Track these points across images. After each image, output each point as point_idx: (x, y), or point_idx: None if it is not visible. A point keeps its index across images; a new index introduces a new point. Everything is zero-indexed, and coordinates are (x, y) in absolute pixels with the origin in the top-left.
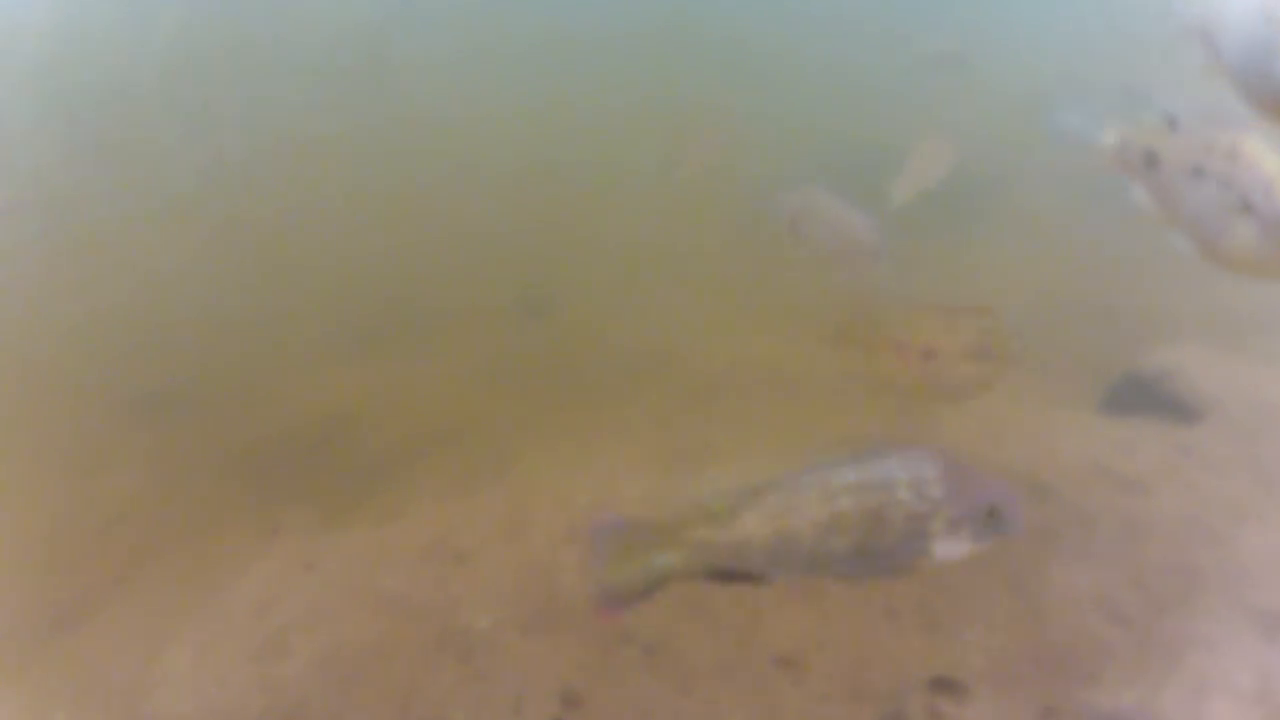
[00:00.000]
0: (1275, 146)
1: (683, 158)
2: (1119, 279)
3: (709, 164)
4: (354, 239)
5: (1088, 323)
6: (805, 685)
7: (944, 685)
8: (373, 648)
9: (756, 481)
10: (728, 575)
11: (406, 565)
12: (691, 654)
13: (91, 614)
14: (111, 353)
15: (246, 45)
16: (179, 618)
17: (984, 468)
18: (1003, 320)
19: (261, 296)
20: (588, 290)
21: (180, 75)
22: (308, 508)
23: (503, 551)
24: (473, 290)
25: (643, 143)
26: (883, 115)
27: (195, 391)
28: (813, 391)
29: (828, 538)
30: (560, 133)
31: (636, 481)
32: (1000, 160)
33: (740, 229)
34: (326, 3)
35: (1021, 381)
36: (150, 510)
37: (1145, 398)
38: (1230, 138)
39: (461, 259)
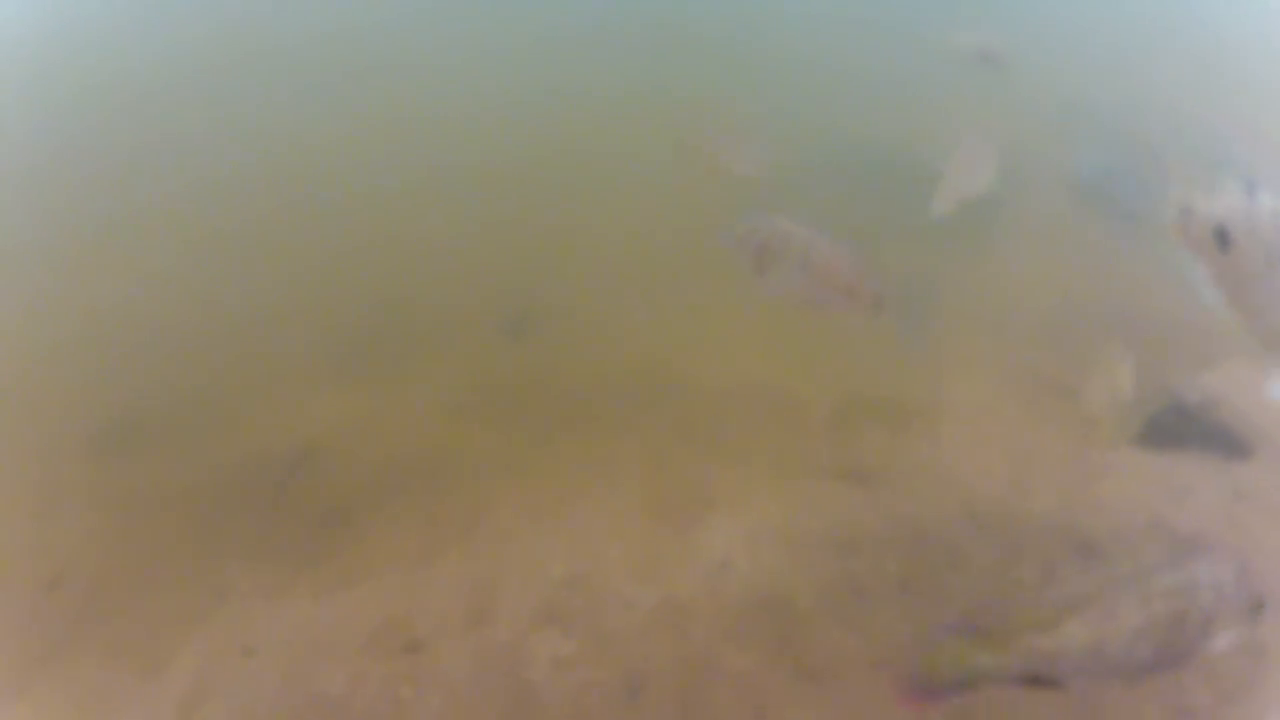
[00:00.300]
0: None
1: (699, 160)
2: (1144, 286)
3: (729, 167)
4: (329, 249)
5: (1114, 335)
6: None
7: None
8: None
9: (1077, 587)
10: (1033, 681)
11: (352, 655)
12: None
13: (12, 700)
14: (75, 378)
15: (227, 55)
16: (104, 709)
17: (1020, 523)
18: None
19: (231, 315)
20: (575, 306)
21: (151, 86)
22: (259, 566)
23: (462, 640)
24: (453, 306)
25: (641, 147)
26: (907, 116)
27: (158, 422)
28: (816, 418)
29: (1137, 643)
30: (550, 136)
31: (622, 542)
32: (1015, 160)
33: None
34: (320, 7)
35: (1049, 405)
36: (97, 564)
37: (1190, 429)
38: None
39: (443, 271)
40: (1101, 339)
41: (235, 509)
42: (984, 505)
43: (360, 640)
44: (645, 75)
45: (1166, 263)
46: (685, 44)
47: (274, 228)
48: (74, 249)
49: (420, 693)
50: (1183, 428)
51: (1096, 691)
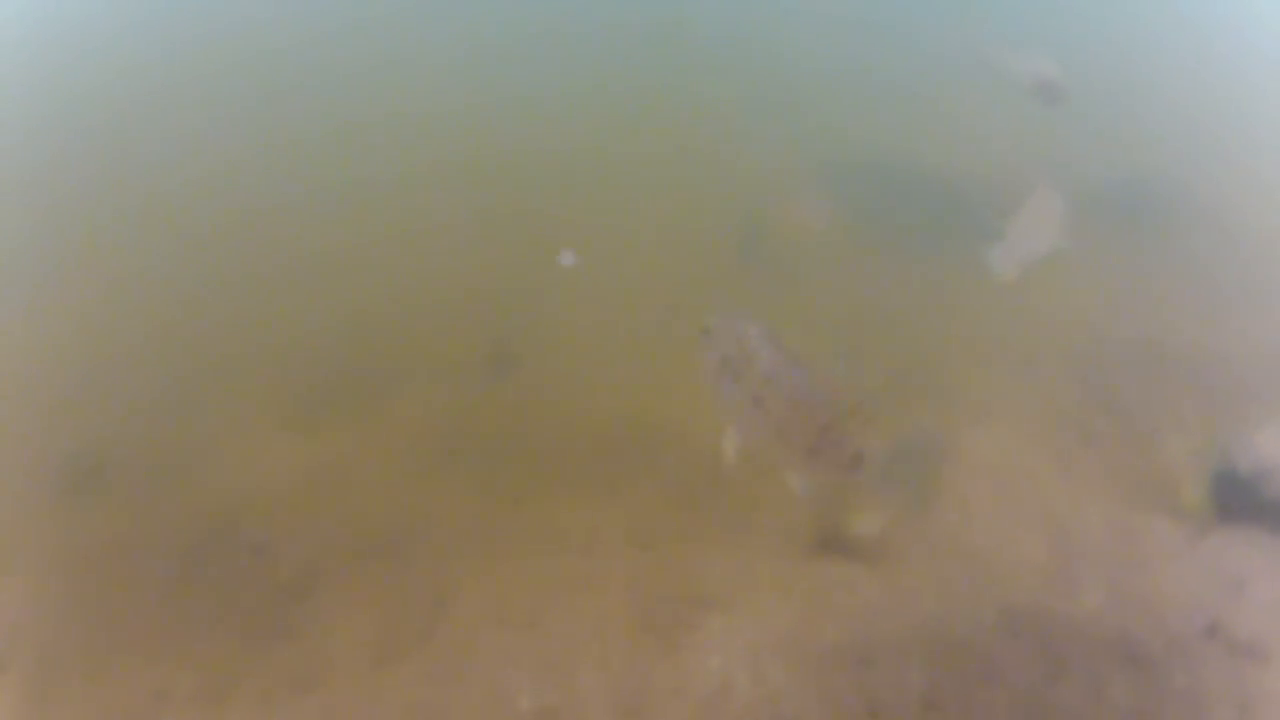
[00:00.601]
0: None
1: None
2: (1172, 311)
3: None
4: (303, 269)
5: (1153, 372)
6: None
7: None
8: None
9: None
10: None
11: None
12: None
13: None
14: (33, 414)
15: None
16: None
17: (1063, 627)
18: None
19: (199, 345)
20: (565, 340)
21: (116, 101)
22: (205, 655)
23: None
24: (436, 337)
25: (643, 161)
26: (919, 125)
27: (115, 468)
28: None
29: None
30: (546, 145)
31: (602, 660)
32: (1024, 167)
33: (747, 270)
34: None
35: (1087, 461)
36: (43, 643)
37: (1245, 500)
38: None
39: (423, 295)
40: (1135, 377)
41: (188, 582)
42: (1020, 602)
43: None
44: (646, 87)
45: (1193, 282)
46: (699, 58)
47: (242, 248)
48: (29, 273)
49: None
50: (1235, 500)
51: None
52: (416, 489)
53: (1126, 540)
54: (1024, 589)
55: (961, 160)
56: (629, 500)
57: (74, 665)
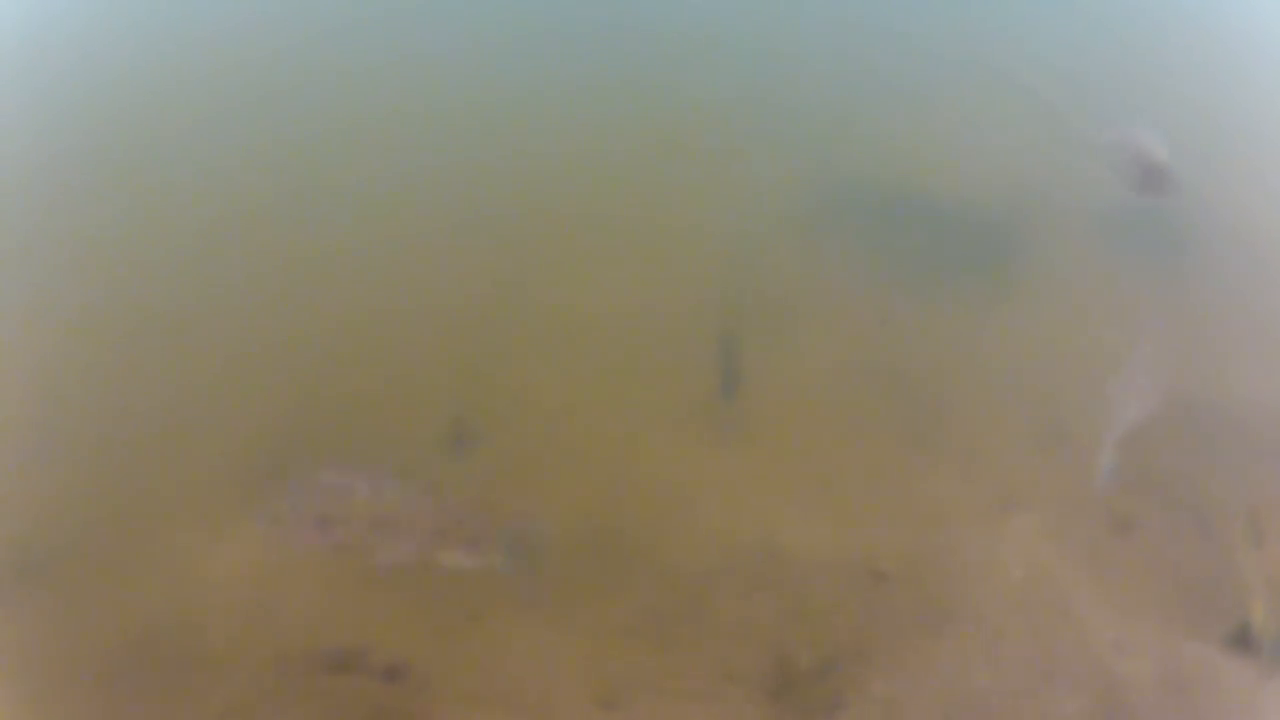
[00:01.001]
0: None
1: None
2: (1222, 363)
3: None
4: (249, 331)
5: (1196, 439)
6: None
7: None
8: None
9: None
10: None
11: None
12: None
13: None
14: None
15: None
16: None
17: None
18: None
19: (139, 422)
20: (531, 417)
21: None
22: None
23: None
24: (392, 412)
25: (625, 205)
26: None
27: (50, 565)
28: (820, 593)
29: None
30: (516, 179)
31: None
32: (1016, 197)
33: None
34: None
35: (1125, 561)
36: None
37: None
38: None
39: (385, 366)
40: (1176, 447)
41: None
42: None
43: None
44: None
45: (1231, 324)
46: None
47: (187, 310)
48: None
49: None
50: None
51: None
52: (360, 603)
53: (1181, 691)
54: None
55: (968, 180)
56: (595, 628)
57: None
